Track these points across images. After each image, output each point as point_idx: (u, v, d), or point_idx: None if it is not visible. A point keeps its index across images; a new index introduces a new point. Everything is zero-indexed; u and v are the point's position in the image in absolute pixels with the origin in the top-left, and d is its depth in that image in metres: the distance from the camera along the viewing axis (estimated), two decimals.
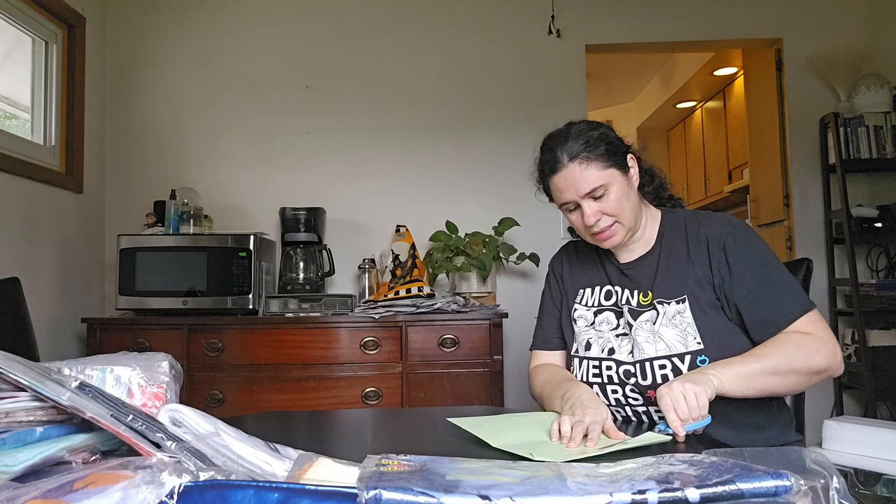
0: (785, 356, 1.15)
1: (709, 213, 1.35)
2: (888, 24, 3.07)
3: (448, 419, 1.12)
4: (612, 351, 1.28)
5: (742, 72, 4.10)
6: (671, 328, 1.23)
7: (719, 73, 4.66)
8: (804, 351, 1.15)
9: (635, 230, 1.32)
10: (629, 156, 1.31)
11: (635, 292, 1.31)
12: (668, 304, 1.25)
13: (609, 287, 1.36)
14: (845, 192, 2.86)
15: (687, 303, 1.24)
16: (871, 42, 3.06)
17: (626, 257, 1.36)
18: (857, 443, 1.26)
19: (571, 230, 1.43)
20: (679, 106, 5.45)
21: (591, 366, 1.30)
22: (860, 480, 1.15)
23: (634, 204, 1.30)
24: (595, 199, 1.25)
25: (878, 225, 2.89)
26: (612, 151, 1.26)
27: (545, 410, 1.30)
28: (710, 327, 1.21)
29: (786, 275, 1.24)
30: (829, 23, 3.08)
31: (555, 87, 3.07)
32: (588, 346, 1.32)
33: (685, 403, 1.04)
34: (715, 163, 5.07)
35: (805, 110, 3.08)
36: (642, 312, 1.27)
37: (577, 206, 1.27)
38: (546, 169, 1.29)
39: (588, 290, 1.39)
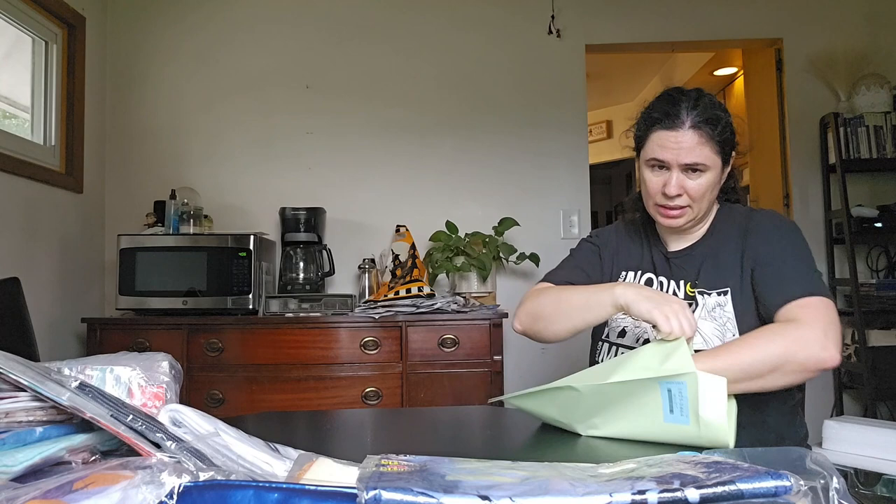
0: (755, 354, 1.04)
1: (764, 210, 1.32)
2: (888, 24, 3.07)
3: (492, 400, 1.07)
4: (646, 342, 1.25)
5: (742, 72, 4.10)
6: (710, 321, 1.20)
7: (719, 73, 4.66)
8: (780, 345, 1.05)
9: (697, 222, 1.28)
10: (734, 153, 1.28)
11: (681, 283, 1.28)
12: (709, 294, 1.22)
13: (650, 275, 1.33)
14: (845, 192, 2.86)
15: (729, 296, 1.20)
16: (871, 42, 3.06)
17: (675, 245, 1.33)
18: (857, 443, 1.26)
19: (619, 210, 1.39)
20: None
21: (620, 352, 1.28)
22: (860, 480, 1.15)
23: (713, 198, 1.26)
24: (688, 174, 1.21)
25: (878, 225, 2.89)
26: (727, 142, 1.23)
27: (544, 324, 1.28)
28: (750, 325, 1.18)
29: (804, 263, 1.18)
30: (829, 23, 3.08)
31: (555, 87, 3.07)
32: (622, 334, 1.30)
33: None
34: None
35: (805, 110, 3.08)
36: (688, 305, 1.25)
37: (663, 169, 1.22)
38: (660, 118, 1.21)
39: (630, 274, 1.36)
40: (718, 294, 1.21)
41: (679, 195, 1.21)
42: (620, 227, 1.45)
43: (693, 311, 1.21)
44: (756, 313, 1.19)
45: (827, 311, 1.10)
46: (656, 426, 0.94)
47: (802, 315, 1.09)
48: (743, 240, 1.24)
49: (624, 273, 1.37)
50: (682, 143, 1.19)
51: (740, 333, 1.17)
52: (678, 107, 1.20)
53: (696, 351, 1.15)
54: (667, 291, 1.29)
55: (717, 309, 1.20)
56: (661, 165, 1.22)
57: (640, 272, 1.35)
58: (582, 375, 1.03)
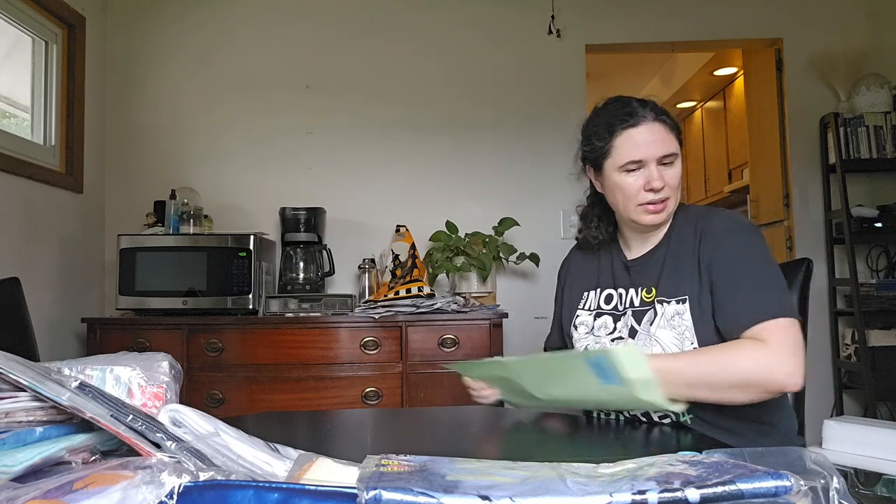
0: (721, 370, 1.08)
1: (721, 210, 1.29)
2: (888, 24, 3.08)
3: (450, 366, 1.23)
4: None
5: (742, 72, 4.10)
6: (668, 329, 1.19)
7: (719, 73, 4.66)
8: (742, 365, 1.07)
9: (670, 216, 1.29)
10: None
11: (639, 289, 1.27)
12: (669, 303, 1.21)
13: (610, 290, 1.33)
14: (845, 192, 2.86)
15: (688, 304, 1.19)
16: (871, 42, 3.06)
17: (636, 251, 1.33)
18: (857, 443, 1.26)
19: (584, 217, 1.40)
20: (679, 106, 5.45)
21: None
22: (860, 480, 1.15)
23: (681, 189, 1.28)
24: (663, 166, 1.21)
25: (878, 225, 2.89)
26: (679, 132, 1.24)
27: None
28: (708, 332, 1.17)
29: (768, 277, 1.16)
30: (829, 23, 3.08)
31: (555, 87, 3.07)
32: None
33: None
34: (715, 163, 5.07)
35: (805, 110, 3.08)
36: (645, 312, 1.24)
37: (640, 168, 1.21)
38: (622, 120, 1.21)
39: (592, 293, 1.37)
40: (677, 302, 1.20)
41: (663, 187, 1.21)
42: (578, 250, 1.48)
43: (652, 320, 1.21)
44: (713, 323, 1.18)
45: (794, 334, 1.10)
46: (596, 389, 1.05)
47: (770, 337, 1.09)
48: (698, 245, 1.22)
49: (586, 294, 1.38)
50: (655, 134, 1.20)
51: (698, 341, 1.16)
52: (633, 105, 1.22)
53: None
54: (625, 300, 1.29)
55: (676, 317, 1.19)
56: (638, 166, 1.22)
57: (599, 289, 1.36)
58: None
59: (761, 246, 1.21)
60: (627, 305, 1.28)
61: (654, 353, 1.18)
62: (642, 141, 1.20)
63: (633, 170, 1.22)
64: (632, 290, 1.29)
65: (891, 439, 1.22)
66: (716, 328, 1.18)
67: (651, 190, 1.21)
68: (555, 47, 3.07)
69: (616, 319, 1.29)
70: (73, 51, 2.80)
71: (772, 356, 1.07)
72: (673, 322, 1.19)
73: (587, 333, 1.32)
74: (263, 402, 2.40)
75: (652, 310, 1.23)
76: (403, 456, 0.61)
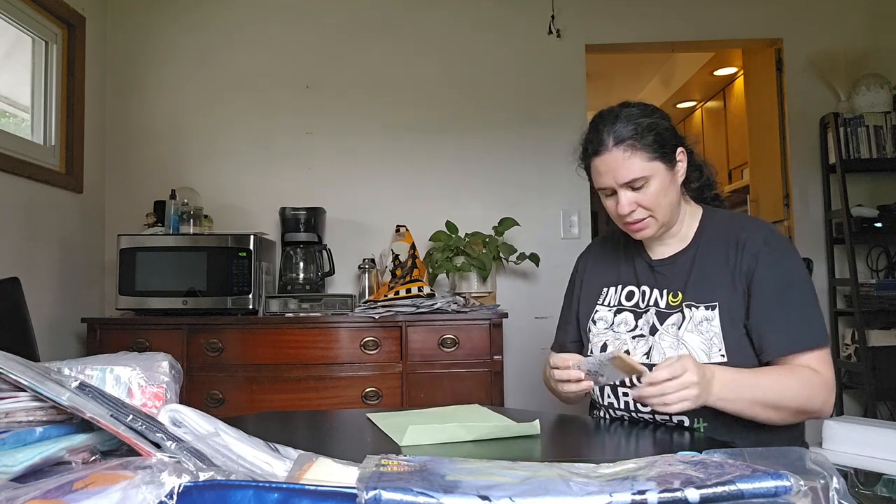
0: (789, 394, 1.13)
1: (753, 218, 1.30)
2: (888, 24, 3.07)
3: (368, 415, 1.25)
4: (627, 353, 1.25)
5: (742, 72, 4.10)
6: (696, 335, 1.18)
7: (719, 73, 4.66)
8: (808, 392, 1.14)
9: (670, 226, 1.28)
10: (679, 150, 1.26)
11: (665, 292, 1.27)
12: (697, 308, 1.21)
13: (632, 287, 1.32)
14: (845, 192, 2.86)
15: (717, 311, 1.19)
16: (871, 42, 3.06)
17: (659, 253, 1.32)
18: (857, 443, 1.26)
19: (596, 214, 1.42)
20: (679, 106, 5.45)
21: None
22: (860, 480, 1.15)
23: (673, 200, 1.25)
24: (633, 189, 1.21)
25: (878, 225, 2.89)
26: (661, 143, 1.21)
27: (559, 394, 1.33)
28: (737, 341, 1.17)
29: (810, 302, 1.20)
30: (829, 23, 3.08)
31: (555, 87, 3.07)
32: (604, 349, 1.29)
33: (665, 397, 1.04)
34: (715, 163, 4.99)
35: (805, 110, 3.08)
36: (670, 315, 1.23)
37: (614, 192, 1.23)
38: (589, 149, 1.25)
39: (612, 289, 1.36)
40: (706, 308, 1.20)
41: (633, 211, 1.22)
42: (598, 245, 1.48)
43: (679, 323, 1.21)
44: (743, 330, 1.19)
45: (832, 365, 1.18)
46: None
47: (820, 369, 1.16)
48: (736, 255, 1.22)
49: (605, 290, 1.37)
50: (610, 164, 1.21)
51: (726, 348, 1.17)
52: (599, 131, 1.22)
53: (719, 363, 1.17)
54: (649, 300, 1.28)
55: (705, 323, 1.19)
56: (611, 191, 1.24)
57: (620, 285, 1.35)
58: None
59: (800, 265, 1.24)
60: (651, 304, 1.28)
61: (719, 362, 1.18)
62: (603, 171, 1.22)
63: (609, 194, 1.26)
64: (656, 291, 1.29)
65: (891, 439, 1.22)
66: (746, 336, 1.19)
67: (620, 214, 1.24)
68: (555, 47, 3.07)
69: (637, 317, 1.28)
70: (73, 51, 2.80)
71: (825, 390, 1.15)
72: (701, 327, 1.19)
73: (606, 329, 1.32)
74: (263, 402, 2.40)
75: (679, 313, 1.23)
76: (403, 456, 0.61)
